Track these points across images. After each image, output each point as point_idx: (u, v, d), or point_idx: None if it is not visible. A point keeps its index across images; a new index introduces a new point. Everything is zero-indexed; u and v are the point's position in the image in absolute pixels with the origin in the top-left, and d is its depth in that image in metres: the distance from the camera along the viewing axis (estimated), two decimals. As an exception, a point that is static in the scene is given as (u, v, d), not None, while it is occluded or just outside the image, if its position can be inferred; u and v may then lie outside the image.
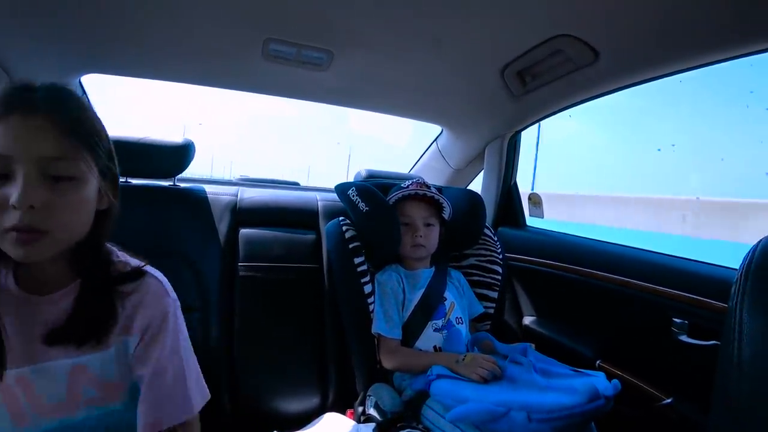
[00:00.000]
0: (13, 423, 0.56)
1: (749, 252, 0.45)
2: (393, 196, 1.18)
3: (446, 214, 1.20)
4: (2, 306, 0.55)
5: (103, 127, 0.59)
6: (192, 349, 0.69)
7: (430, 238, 1.17)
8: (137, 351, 0.62)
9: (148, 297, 0.64)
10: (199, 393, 0.66)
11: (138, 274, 0.64)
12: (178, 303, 0.69)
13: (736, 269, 0.47)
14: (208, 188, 1.39)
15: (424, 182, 1.21)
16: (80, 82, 1.34)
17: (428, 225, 1.17)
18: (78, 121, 0.54)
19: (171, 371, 0.63)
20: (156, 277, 0.67)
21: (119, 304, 0.61)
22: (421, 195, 1.17)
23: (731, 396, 0.42)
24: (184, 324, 0.69)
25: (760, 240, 0.45)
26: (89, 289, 0.59)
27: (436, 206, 1.19)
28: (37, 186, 0.50)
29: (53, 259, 0.56)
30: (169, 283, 0.69)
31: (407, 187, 1.18)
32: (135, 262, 0.67)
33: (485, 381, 0.88)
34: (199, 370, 0.69)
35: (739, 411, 0.41)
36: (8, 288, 0.57)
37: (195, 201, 1.32)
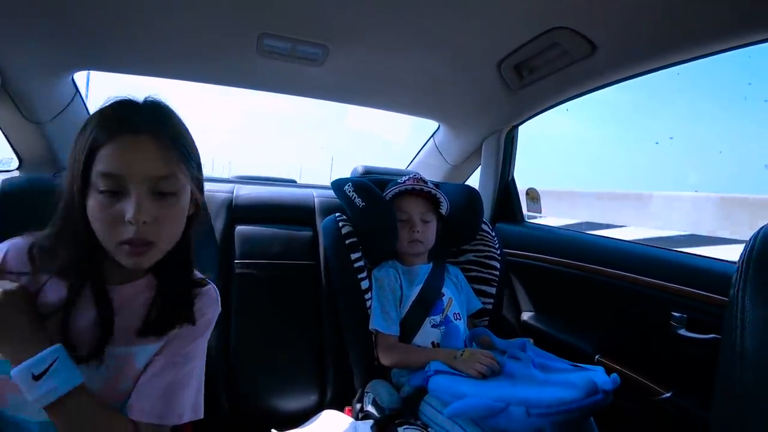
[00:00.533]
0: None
1: (750, 240, 0.45)
2: (390, 192, 1.17)
3: (443, 209, 1.19)
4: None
5: (193, 140, 0.63)
6: (204, 365, 0.70)
7: (428, 233, 1.16)
8: (171, 341, 0.65)
9: (206, 300, 0.70)
10: (191, 408, 0.66)
11: (204, 280, 0.71)
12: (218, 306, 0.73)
13: (734, 262, 0.46)
14: (204, 185, 1.38)
15: (421, 177, 1.20)
16: (73, 79, 1.33)
17: (425, 221, 1.16)
18: (176, 137, 0.59)
19: (178, 370, 0.64)
20: (212, 286, 0.73)
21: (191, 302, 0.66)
22: (418, 190, 1.16)
23: (734, 385, 0.41)
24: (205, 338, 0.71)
25: (762, 228, 0.45)
26: (170, 286, 0.65)
27: (433, 202, 1.18)
28: (148, 203, 0.55)
29: None
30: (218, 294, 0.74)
31: (404, 182, 1.17)
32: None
33: (483, 377, 0.88)
34: (203, 388, 0.70)
35: (742, 400, 0.40)
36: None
37: None
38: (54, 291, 0.58)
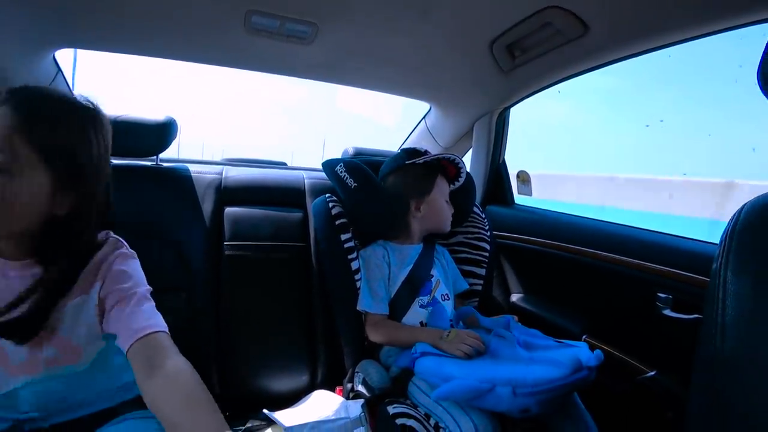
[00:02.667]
0: None
1: (735, 214, 0.45)
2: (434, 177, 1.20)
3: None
4: None
5: (63, 123, 0.59)
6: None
7: None
8: (104, 293, 0.67)
9: (101, 253, 0.69)
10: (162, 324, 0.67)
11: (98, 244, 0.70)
12: (131, 254, 0.73)
13: (717, 244, 0.47)
14: (192, 167, 1.36)
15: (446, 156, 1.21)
16: (54, 58, 1.29)
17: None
18: (25, 109, 0.55)
19: (140, 301, 0.66)
20: (112, 237, 0.73)
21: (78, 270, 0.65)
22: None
23: (713, 356, 0.42)
24: (143, 277, 0.72)
25: (746, 203, 0.45)
26: (47, 264, 0.63)
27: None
28: None
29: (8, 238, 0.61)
30: (124, 242, 0.74)
31: (443, 161, 1.21)
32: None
33: (469, 357, 0.89)
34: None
35: (721, 370, 0.41)
36: None
37: (178, 180, 1.30)
38: None
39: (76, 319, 0.66)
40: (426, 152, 1.19)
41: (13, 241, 0.62)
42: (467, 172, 1.29)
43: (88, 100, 0.66)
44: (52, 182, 0.59)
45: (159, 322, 0.64)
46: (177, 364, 0.59)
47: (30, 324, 0.60)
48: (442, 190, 1.19)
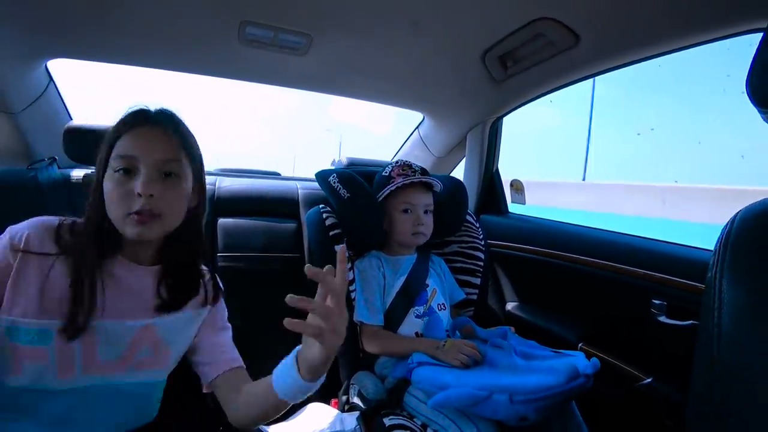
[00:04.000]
0: (57, 374, 0.64)
1: (728, 223, 0.45)
2: (395, 184, 1.13)
3: (438, 188, 1.19)
4: (103, 268, 0.68)
5: (196, 140, 0.74)
6: None
7: (430, 224, 1.15)
8: (208, 317, 0.80)
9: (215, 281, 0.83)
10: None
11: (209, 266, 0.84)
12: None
13: (711, 250, 0.47)
14: None
15: (408, 164, 1.17)
16: (46, 68, 1.29)
17: (427, 212, 1.15)
18: (181, 132, 0.70)
19: (229, 332, 0.84)
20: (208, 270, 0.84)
21: (201, 281, 0.78)
22: (421, 182, 1.14)
23: (712, 366, 0.42)
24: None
25: (739, 211, 0.46)
26: (174, 264, 0.75)
27: (432, 190, 1.18)
28: (155, 180, 0.65)
29: (150, 243, 0.72)
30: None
31: (397, 171, 1.15)
32: None
33: (466, 366, 0.88)
34: None
35: (719, 379, 0.41)
36: (111, 257, 0.70)
37: None
38: (60, 273, 0.65)
39: (182, 331, 0.76)
40: (405, 165, 1.17)
41: (154, 245, 0.73)
42: (459, 181, 1.29)
43: None
44: (194, 178, 0.72)
45: (238, 356, 0.82)
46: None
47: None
48: (398, 200, 1.13)
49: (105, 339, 0.67)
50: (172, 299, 0.73)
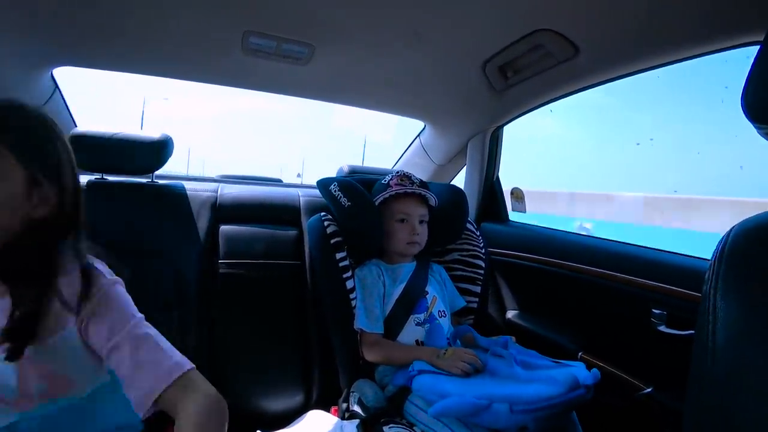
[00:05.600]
0: None
1: (723, 238, 0.46)
2: (387, 193, 1.15)
3: (433, 203, 1.20)
4: None
5: (33, 124, 0.61)
6: (157, 333, 0.67)
7: (425, 235, 1.16)
8: (85, 334, 0.63)
9: (76, 281, 0.63)
10: (180, 361, 0.64)
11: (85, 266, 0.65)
12: (119, 282, 0.69)
13: (709, 260, 0.48)
14: (187, 185, 1.36)
15: (407, 175, 1.19)
16: (52, 75, 1.30)
17: (422, 222, 1.16)
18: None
19: (137, 342, 0.62)
20: (91, 264, 0.67)
21: (52, 300, 0.61)
22: (418, 194, 1.15)
23: (706, 378, 0.42)
24: (131, 305, 0.68)
25: (734, 226, 0.46)
26: (18, 295, 0.59)
27: (427, 203, 1.19)
28: None
29: None
30: (105, 267, 0.69)
31: (395, 181, 1.16)
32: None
33: (466, 375, 0.88)
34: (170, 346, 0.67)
35: (713, 392, 0.42)
36: None
37: (173, 198, 1.30)
38: None
39: (58, 352, 0.62)
40: (404, 176, 1.18)
41: None
42: (460, 190, 1.30)
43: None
44: (27, 180, 0.59)
45: (180, 360, 0.63)
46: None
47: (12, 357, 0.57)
48: (394, 210, 1.15)
49: None
50: (25, 332, 0.58)
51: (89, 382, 0.67)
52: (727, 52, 0.89)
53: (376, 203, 1.16)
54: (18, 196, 0.58)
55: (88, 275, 0.64)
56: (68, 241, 0.65)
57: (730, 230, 0.46)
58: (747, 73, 0.46)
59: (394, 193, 1.14)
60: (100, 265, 0.69)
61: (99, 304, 0.63)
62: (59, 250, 0.64)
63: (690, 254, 0.99)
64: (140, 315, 0.67)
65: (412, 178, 1.18)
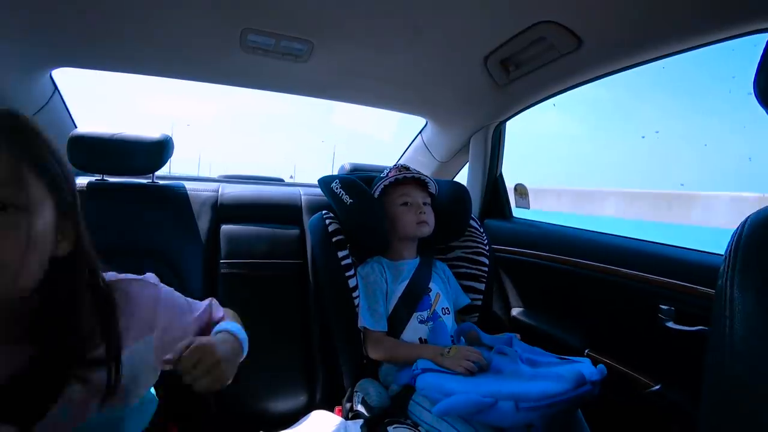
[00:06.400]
0: None
1: (738, 228, 0.44)
2: (386, 180, 1.16)
3: (433, 190, 1.21)
4: None
5: (63, 162, 0.52)
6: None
7: (432, 216, 1.16)
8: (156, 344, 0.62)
9: (130, 306, 0.60)
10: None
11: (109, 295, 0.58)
12: (160, 285, 0.67)
13: (721, 254, 0.46)
14: (188, 185, 1.35)
15: (406, 166, 1.20)
16: (51, 77, 1.30)
17: (426, 204, 1.16)
18: (16, 139, 0.47)
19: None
20: (127, 279, 0.64)
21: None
22: (417, 179, 1.17)
23: (724, 375, 0.41)
24: (175, 294, 0.70)
25: (749, 216, 0.44)
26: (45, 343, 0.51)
27: (428, 190, 1.19)
28: None
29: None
30: (138, 276, 0.66)
31: (393, 171, 1.17)
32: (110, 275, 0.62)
33: (471, 373, 0.87)
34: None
35: (733, 389, 0.40)
36: None
37: (174, 198, 1.29)
38: None
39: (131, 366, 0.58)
40: (402, 167, 1.19)
41: (10, 319, 0.50)
42: (462, 186, 1.29)
43: None
44: (55, 212, 0.50)
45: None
46: None
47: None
48: (395, 196, 1.16)
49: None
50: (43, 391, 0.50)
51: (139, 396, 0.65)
52: (732, 41, 0.88)
53: (376, 194, 1.16)
54: (49, 234, 0.49)
55: (136, 294, 0.62)
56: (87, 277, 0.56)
57: (745, 221, 0.44)
58: (759, 60, 0.45)
59: (393, 179, 1.15)
60: (130, 276, 0.65)
61: (155, 313, 0.63)
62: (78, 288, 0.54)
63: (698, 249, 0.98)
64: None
65: (411, 168, 1.19)
